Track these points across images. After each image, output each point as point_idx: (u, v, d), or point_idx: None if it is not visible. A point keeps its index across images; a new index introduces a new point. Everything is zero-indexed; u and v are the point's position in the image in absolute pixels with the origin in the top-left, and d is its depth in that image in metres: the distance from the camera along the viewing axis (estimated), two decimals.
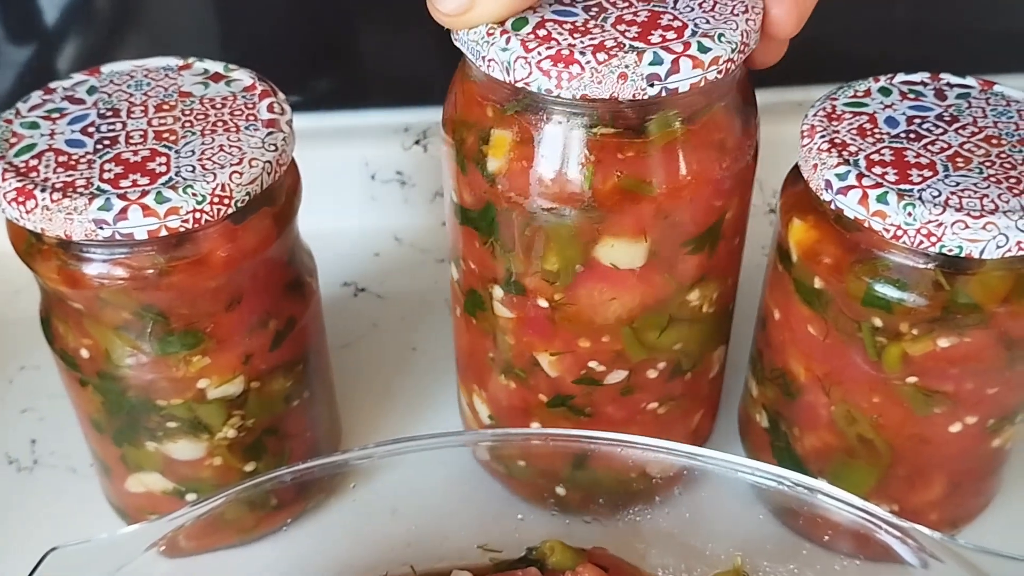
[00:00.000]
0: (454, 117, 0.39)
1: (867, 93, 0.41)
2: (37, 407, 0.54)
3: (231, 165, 0.37)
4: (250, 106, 0.40)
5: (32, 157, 0.37)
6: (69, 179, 0.36)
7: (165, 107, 0.40)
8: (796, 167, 0.42)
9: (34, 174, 0.37)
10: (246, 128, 0.39)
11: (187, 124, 0.39)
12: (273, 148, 0.38)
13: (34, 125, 0.39)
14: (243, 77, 0.42)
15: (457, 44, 0.37)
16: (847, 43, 0.63)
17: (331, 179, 0.61)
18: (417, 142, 0.64)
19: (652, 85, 0.34)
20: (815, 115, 0.40)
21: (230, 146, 0.38)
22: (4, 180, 0.36)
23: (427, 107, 0.64)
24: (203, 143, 0.38)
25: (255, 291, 0.40)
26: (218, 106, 0.40)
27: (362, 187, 0.64)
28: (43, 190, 0.36)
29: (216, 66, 0.42)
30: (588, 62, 0.33)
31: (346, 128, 0.64)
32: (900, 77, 0.42)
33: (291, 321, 0.42)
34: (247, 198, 0.37)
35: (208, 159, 0.37)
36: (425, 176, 0.65)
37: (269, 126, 0.39)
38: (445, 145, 0.40)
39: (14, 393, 0.55)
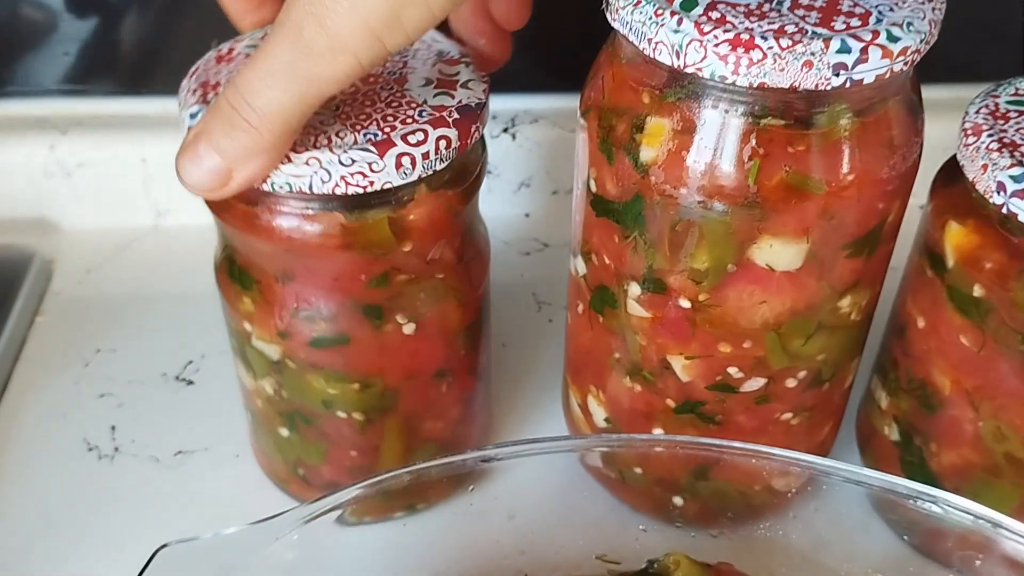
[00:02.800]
0: (601, 103, 0.36)
1: None
2: (115, 392, 0.51)
3: None
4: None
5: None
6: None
7: None
8: (948, 167, 0.40)
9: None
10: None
11: None
12: None
13: None
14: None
15: (615, 24, 0.34)
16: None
17: None
18: (505, 130, 0.61)
19: (838, 75, 0.31)
20: (977, 112, 0.38)
21: None
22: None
23: (515, 94, 0.62)
24: None
25: None
26: None
27: None
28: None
29: None
30: (770, 48, 0.31)
31: None
32: None
33: None
34: None
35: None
36: (511, 166, 0.62)
37: None
38: (583, 132, 0.38)
39: (90, 377, 0.52)
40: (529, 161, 0.63)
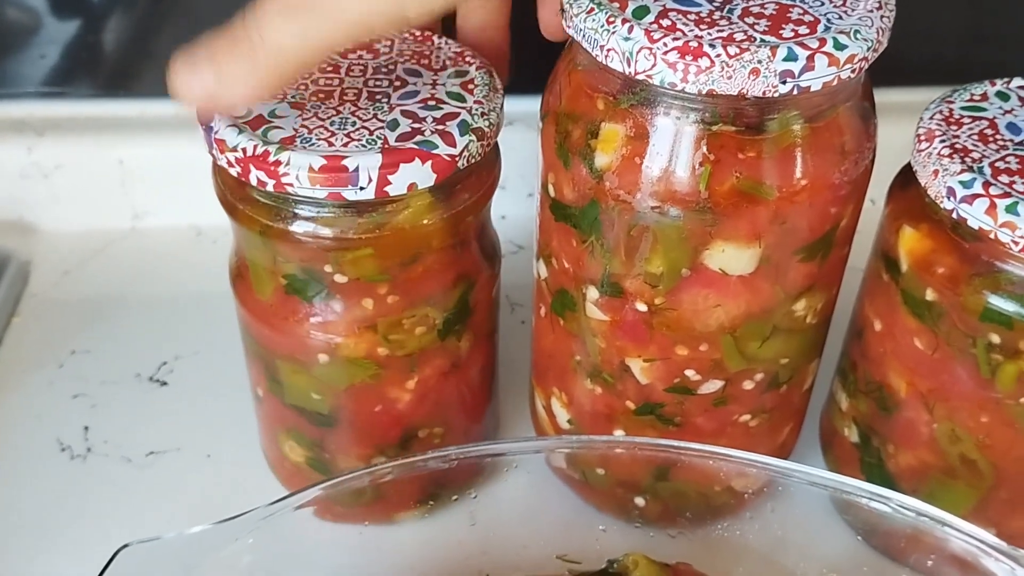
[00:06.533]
0: (558, 108, 0.37)
1: (984, 97, 0.40)
2: (88, 393, 0.52)
3: None
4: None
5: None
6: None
7: None
8: (904, 172, 0.40)
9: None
10: None
11: None
12: None
13: None
14: None
15: (570, 32, 0.35)
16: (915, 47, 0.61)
17: None
18: None
19: (784, 82, 0.32)
20: (931, 118, 0.38)
21: None
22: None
23: None
24: None
25: None
26: None
27: None
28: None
29: None
30: (718, 55, 0.31)
31: None
32: (1017, 82, 0.40)
33: None
34: None
35: None
36: None
37: None
38: (543, 137, 0.38)
39: (64, 378, 0.53)
40: (505, 164, 0.63)
